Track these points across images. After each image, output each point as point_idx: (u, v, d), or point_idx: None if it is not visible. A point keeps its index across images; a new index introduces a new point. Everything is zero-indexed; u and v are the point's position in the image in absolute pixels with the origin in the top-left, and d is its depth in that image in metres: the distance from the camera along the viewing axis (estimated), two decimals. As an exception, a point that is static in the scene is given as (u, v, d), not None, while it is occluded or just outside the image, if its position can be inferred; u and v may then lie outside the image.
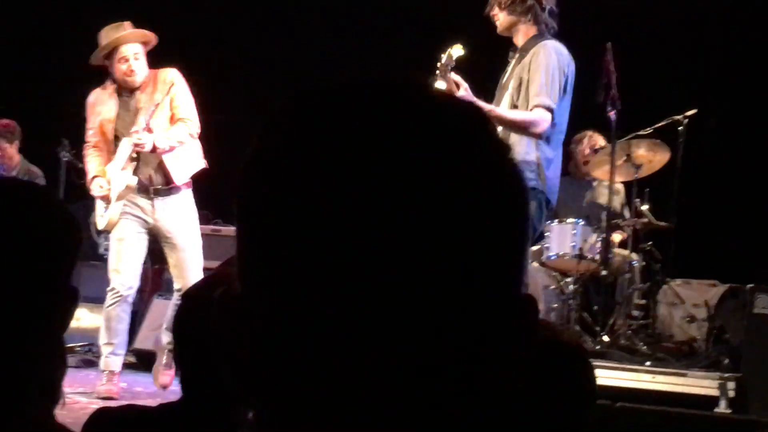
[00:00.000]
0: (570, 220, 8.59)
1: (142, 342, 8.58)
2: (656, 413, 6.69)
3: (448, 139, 0.85)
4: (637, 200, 8.48)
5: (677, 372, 7.47)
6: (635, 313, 8.33)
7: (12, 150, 10.38)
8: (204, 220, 9.59)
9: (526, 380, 0.90)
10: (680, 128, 8.41)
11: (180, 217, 7.71)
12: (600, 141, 9.09)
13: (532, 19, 6.26)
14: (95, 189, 7.68)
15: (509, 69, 6.49)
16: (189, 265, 7.70)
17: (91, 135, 7.79)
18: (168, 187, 7.65)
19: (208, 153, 7.78)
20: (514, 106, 6.24)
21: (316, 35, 10.82)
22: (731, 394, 7.17)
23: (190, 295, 2.47)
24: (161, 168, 7.61)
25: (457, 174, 0.83)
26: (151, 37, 7.68)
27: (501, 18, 6.33)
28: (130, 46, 7.56)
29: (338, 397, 0.83)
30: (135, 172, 7.58)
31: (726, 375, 7.29)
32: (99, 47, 7.59)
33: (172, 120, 7.60)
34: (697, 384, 7.33)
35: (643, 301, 8.43)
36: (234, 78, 11.04)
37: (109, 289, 7.65)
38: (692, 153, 8.58)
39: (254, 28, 11.36)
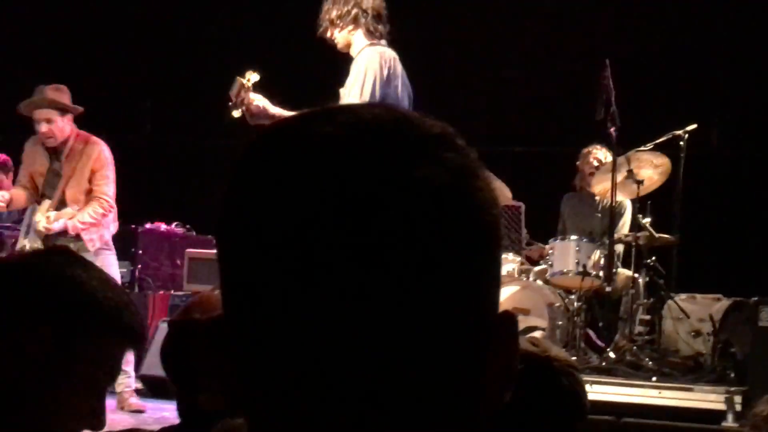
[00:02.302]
0: (573, 237, 8.61)
1: (150, 368, 8.56)
2: (663, 428, 6.68)
3: (417, 172, 0.86)
4: (639, 215, 8.49)
5: (684, 387, 7.47)
6: (640, 328, 8.33)
7: (7, 182, 10.46)
8: (210, 245, 9.63)
9: (515, 394, 0.93)
10: (681, 143, 8.42)
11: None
12: (600, 156, 9.09)
13: (361, 27, 6.28)
14: None
15: None
16: None
17: (22, 177, 8.19)
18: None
19: (206, 170, 7.87)
20: None
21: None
22: (738, 407, 7.16)
23: (176, 323, 2.51)
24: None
25: (425, 204, 0.85)
26: (62, 101, 7.94)
27: (338, 37, 6.33)
28: (41, 111, 7.86)
29: (323, 413, 0.86)
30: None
31: (732, 389, 7.28)
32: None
33: (89, 194, 7.94)
34: (704, 398, 7.32)
35: (647, 317, 8.42)
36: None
37: None
38: (694, 167, 8.59)
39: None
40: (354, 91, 6.01)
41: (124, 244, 9.75)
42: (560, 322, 8.27)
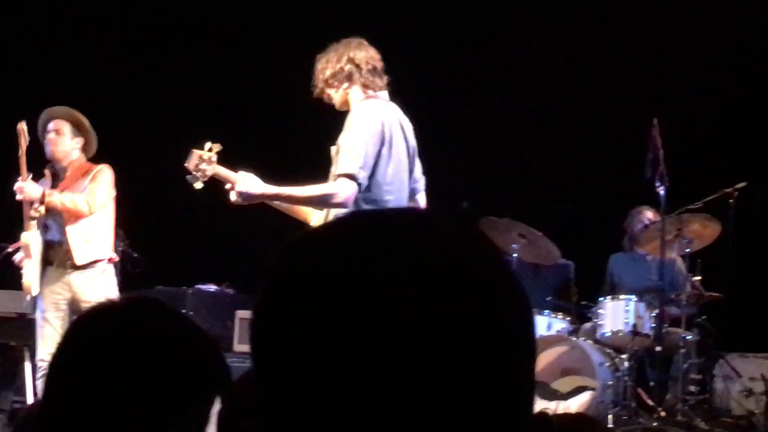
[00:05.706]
0: (623, 296, 8.58)
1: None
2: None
3: (446, 274, 0.90)
4: (689, 273, 8.47)
5: (736, 447, 7.40)
6: (691, 388, 8.26)
7: None
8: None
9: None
10: (731, 201, 8.40)
11: (97, 292, 7.52)
12: (649, 215, 9.09)
13: (356, 83, 6.10)
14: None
15: None
16: None
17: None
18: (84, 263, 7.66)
19: (256, 230, 7.83)
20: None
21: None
22: (792, 468, 7.09)
23: (232, 393, 2.52)
24: (66, 246, 7.64)
25: (454, 317, 0.88)
26: (77, 117, 7.81)
27: (334, 96, 6.11)
28: (54, 122, 7.76)
29: None
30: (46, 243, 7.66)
31: (786, 449, 7.21)
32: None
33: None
34: (757, 459, 7.26)
35: (699, 376, 8.37)
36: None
37: (40, 359, 7.52)
38: (744, 225, 8.56)
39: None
40: (346, 155, 5.79)
41: (173, 305, 9.81)
42: (610, 382, 8.22)
